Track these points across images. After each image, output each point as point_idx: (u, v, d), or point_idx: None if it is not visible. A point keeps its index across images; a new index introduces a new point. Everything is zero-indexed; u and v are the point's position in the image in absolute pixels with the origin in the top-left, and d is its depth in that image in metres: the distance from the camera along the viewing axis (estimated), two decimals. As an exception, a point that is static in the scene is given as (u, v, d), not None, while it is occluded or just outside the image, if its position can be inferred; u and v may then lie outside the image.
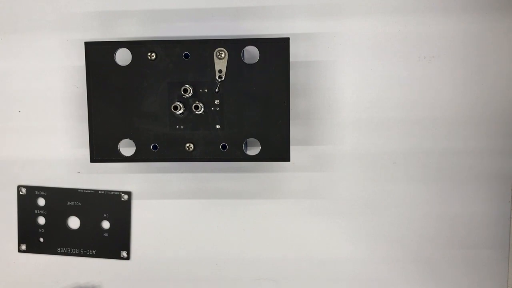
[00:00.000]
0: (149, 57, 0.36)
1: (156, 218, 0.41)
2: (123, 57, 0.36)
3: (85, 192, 0.41)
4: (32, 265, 0.42)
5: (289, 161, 0.37)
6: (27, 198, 0.42)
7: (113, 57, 0.36)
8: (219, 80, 0.36)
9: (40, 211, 0.42)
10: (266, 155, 0.36)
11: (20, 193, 0.42)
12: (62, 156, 0.41)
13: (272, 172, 0.40)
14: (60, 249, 0.42)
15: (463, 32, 0.39)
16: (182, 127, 0.36)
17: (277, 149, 0.36)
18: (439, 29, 0.39)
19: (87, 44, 0.36)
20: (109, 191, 0.41)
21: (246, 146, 0.38)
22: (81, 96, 0.40)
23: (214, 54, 0.35)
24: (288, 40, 0.35)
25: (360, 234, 0.41)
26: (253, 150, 0.37)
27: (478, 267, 0.41)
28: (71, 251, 0.42)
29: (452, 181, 0.40)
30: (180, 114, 0.36)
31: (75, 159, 0.41)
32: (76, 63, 0.40)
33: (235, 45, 0.35)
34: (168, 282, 0.42)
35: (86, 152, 0.39)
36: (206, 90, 0.36)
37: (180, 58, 0.36)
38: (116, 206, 0.41)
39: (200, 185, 0.41)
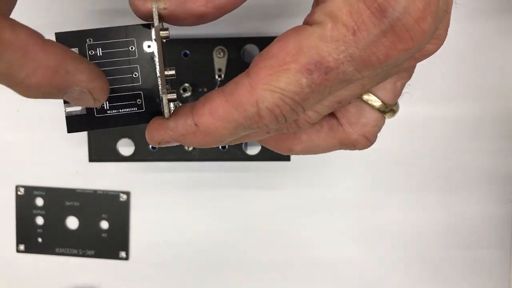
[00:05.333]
0: (148, 56, 0.35)
1: (155, 218, 0.41)
2: (122, 56, 0.36)
3: (84, 192, 0.41)
4: (30, 265, 0.42)
5: (289, 160, 0.36)
6: (25, 198, 0.41)
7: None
8: (219, 79, 0.36)
9: (39, 211, 0.41)
10: (266, 155, 0.36)
11: (18, 193, 0.41)
12: (60, 156, 0.41)
13: (272, 172, 0.40)
14: (59, 249, 0.42)
15: (464, 31, 0.38)
16: (181, 126, 0.36)
17: (277, 149, 0.36)
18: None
19: (86, 43, 0.36)
20: (107, 191, 0.41)
21: (246, 145, 0.38)
22: (80, 95, 0.40)
23: (214, 53, 0.35)
24: (289, 39, 0.35)
25: (361, 234, 0.41)
26: (253, 149, 0.37)
27: (479, 268, 0.40)
28: (69, 251, 0.42)
29: (453, 181, 0.40)
30: (179, 113, 0.36)
31: (73, 159, 0.41)
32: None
33: (235, 44, 0.35)
34: (167, 283, 0.42)
35: (84, 151, 0.39)
36: (205, 89, 0.36)
37: (179, 57, 0.35)
38: (115, 206, 0.41)
39: (200, 185, 0.41)
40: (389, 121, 0.39)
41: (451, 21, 0.39)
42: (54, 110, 0.41)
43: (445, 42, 0.38)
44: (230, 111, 0.20)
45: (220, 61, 0.35)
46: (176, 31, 0.39)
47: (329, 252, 0.41)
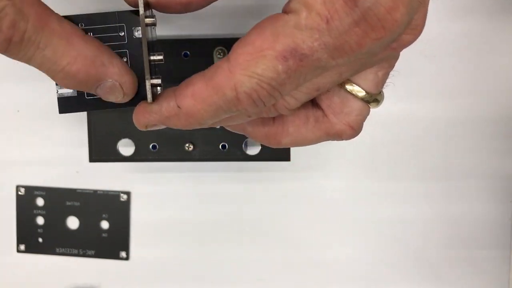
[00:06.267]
0: (148, 56, 0.36)
1: (155, 218, 0.41)
2: (122, 56, 0.36)
3: (84, 192, 0.41)
4: (30, 265, 0.42)
5: (289, 160, 0.36)
6: (26, 198, 0.41)
7: (112, 56, 0.36)
8: (219, 79, 0.36)
9: (39, 211, 0.41)
10: (266, 155, 0.36)
11: (19, 193, 0.41)
12: (61, 156, 0.41)
13: (272, 172, 0.40)
14: (59, 249, 0.42)
15: (464, 31, 0.38)
16: (181, 126, 0.36)
17: (277, 149, 0.36)
18: (440, 27, 0.38)
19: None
20: (108, 191, 0.41)
21: (246, 145, 0.38)
22: (80, 96, 0.40)
23: (214, 53, 0.35)
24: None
25: (360, 234, 0.41)
26: (253, 149, 0.37)
27: (479, 268, 0.40)
28: (70, 251, 0.42)
29: (452, 181, 0.40)
30: (179, 113, 0.36)
31: (74, 159, 0.41)
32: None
33: (235, 44, 0.35)
34: (167, 283, 0.42)
35: (85, 151, 0.39)
36: (205, 90, 0.36)
37: (179, 57, 0.35)
38: (115, 206, 0.41)
39: (200, 185, 0.41)
40: (388, 121, 0.39)
41: (452, 20, 0.39)
42: (55, 111, 0.41)
43: (446, 42, 0.38)
44: (210, 94, 0.21)
45: (220, 61, 0.36)
46: (176, 32, 0.39)
47: (329, 252, 0.41)
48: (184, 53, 0.35)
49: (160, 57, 0.22)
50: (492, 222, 0.40)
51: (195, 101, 0.21)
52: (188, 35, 0.39)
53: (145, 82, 0.22)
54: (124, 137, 0.36)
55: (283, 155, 0.36)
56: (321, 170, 0.40)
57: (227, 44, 0.35)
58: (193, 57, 0.35)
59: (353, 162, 0.40)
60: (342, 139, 0.25)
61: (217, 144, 0.36)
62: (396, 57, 0.24)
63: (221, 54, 0.35)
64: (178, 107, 0.21)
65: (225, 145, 0.36)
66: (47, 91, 0.41)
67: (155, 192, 0.41)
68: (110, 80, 0.21)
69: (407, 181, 0.40)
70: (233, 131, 0.26)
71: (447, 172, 0.40)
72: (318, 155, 0.40)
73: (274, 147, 0.26)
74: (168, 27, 0.39)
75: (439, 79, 0.39)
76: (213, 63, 0.35)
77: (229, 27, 0.39)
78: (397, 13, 0.19)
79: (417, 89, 0.39)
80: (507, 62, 0.38)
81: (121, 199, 0.41)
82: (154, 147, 0.36)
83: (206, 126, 0.23)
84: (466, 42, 0.38)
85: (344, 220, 0.40)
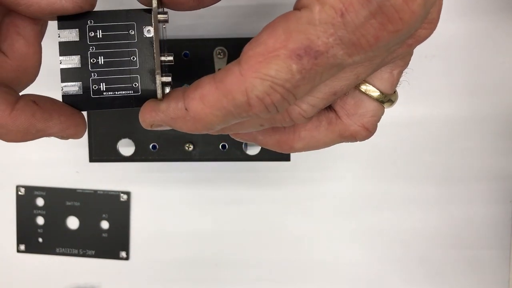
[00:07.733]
0: (148, 56, 0.36)
1: (155, 218, 0.41)
2: (122, 56, 0.36)
3: (84, 192, 0.41)
4: (31, 265, 0.42)
5: (289, 161, 0.36)
6: (26, 198, 0.41)
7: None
8: (219, 79, 0.36)
9: (39, 211, 0.41)
10: (266, 155, 0.36)
11: (19, 193, 0.41)
12: (61, 156, 0.41)
13: (272, 172, 0.40)
14: (59, 249, 0.42)
15: (464, 31, 0.38)
16: (181, 126, 0.36)
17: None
18: (440, 28, 0.38)
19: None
20: (108, 191, 0.41)
21: (246, 146, 0.38)
22: (80, 96, 0.40)
23: (214, 53, 0.35)
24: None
25: (361, 235, 0.41)
26: (253, 149, 0.37)
27: (479, 268, 0.40)
28: (70, 251, 0.42)
29: (452, 181, 0.40)
30: (179, 113, 0.36)
31: (74, 159, 0.41)
32: (75, 63, 0.40)
33: (235, 44, 0.35)
34: (167, 283, 0.42)
35: (85, 152, 0.39)
36: (205, 90, 0.36)
37: (180, 58, 0.36)
38: (115, 206, 0.41)
39: (200, 185, 0.41)
40: (388, 121, 0.39)
41: (451, 19, 0.39)
42: (55, 110, 0.41)
43: (446, 41, 0.38)
44: (219, 99, 0.19)
45: (220, 61, 0.36)
46: (176, 32, 0.39)
47: (328, 253, 0.41)
48: (184, 53, 0.35)
49: (170, 58, 0.22)
50: (492, 222, 0.40)
51: (203, 104, 0.20)
52: (188, 35, 0.39)
53: (154, 81, 0.21)
54: (124, 137, 0.36)
55: (283, 155, 0.36)
56: (321, 170, 0.40)
57: (227, 44, 0.35)
58: (193, 57, 0.35)
59: (354, 163, 0.40)
60: (356, 141, 0.25)
61: (217, 144, 0.36)
62: (410, 54, 0.23)
63: (221, 54, 0.35)
64: (186, 109, 0.20)
65: (225, 145, 0.36)
66: (48, 90, 0.40)
67: (155, 192, 0.41)
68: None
69: (407, 182, 0.40)
70: (242, 141, 0.25)
71: (447, 172, 0.40)
72: (318, 155, 0.40)
73: (287, 152, 0.25)
74: (168, 27, 0.39)
75: (439, 78, 0.39)
76: (213, 63, 0.35)
77: (229, 27, 0.39)
78: (414, 4, 0.18)
79: (417, 89, 0.39)
80: (507, 62, 0.38)
81: (121, 199, 0.41)
82: (154, 147, 0.36)
83: (213, 132, 0.22)
84: (466, 42, 0.38)
85: (344, 221, 0.40)
